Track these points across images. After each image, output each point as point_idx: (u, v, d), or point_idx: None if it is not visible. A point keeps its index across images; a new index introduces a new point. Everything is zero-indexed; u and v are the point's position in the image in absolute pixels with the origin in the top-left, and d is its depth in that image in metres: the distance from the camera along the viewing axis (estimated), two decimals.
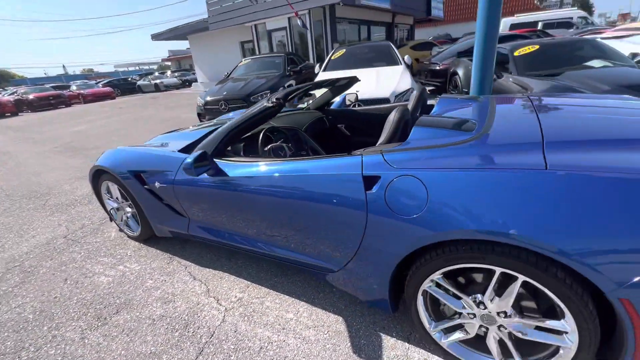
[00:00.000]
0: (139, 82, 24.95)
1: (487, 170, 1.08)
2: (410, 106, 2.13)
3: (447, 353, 1.36)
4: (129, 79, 27.15)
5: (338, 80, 2.57)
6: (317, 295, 1.83)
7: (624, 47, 5.20)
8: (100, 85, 22.70)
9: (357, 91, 3.88)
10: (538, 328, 1.13)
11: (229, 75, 7.59)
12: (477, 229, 1.04)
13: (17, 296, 2.09)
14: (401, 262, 1.29)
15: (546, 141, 1.15)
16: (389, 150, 1.32)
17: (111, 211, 2.68)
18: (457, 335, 1.31)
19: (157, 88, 22.84)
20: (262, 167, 1.64)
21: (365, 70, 5.23)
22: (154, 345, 1.60)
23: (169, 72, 29.69)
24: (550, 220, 0.95)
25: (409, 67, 5.49)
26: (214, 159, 1.80)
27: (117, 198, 2.53)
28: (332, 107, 3.15)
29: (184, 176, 1.93)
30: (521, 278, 1.05)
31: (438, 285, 1.27)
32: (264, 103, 1.84)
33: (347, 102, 3.32)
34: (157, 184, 2.08)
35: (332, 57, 6.10)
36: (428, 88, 8.39)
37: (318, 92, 3.57)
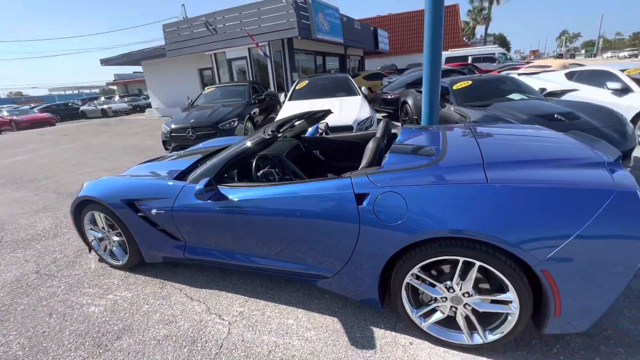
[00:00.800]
0: (82, 107, 23.38)
1: (447, 185, 1.48)
2: (378, 135, 2.56)
3: (427, 334, 1.68)
4: (70, 104, 25.29)
5: (316, 112, 2.94)
6: (312, 302, 2.06)
7: (535, 83, 6.40)
8: (37, 111, 20.84)
9: (327, 120, 4.29)
10: (492, 302, 1.51)
11: (193, 103, 7.67)
12: (444, 228, 1.40)
13: None
14: (386, 263, 1.61)
15: (485, 162, 1.58)
16: (372, 172, 1.67)
17: (93, 242, 2.66)
18: (434, 317, 1.64)
19: (104, 114, 21.59)
20: (262, 190, 1.89)
21: (329, 100, 5.74)
22: None
23: (117, 97, 28.23)
24: (493, 218, 1.35)
25: (366, 97, 6.13)
26: (217, 185, 2.01)
27: (102, 228, 2.55)
28: (306, 135, 3.49)
29: (183, 201, 2.09)
30: (477, 263, 1.43)
31: (417, 277, 1.60)
32: (261, 135, 2.11)
33: (319, 131, 3.69)
34: (153, 211, 2.19)
35: (297, 88, 6.56)
36: (381, 115, 9.24)
37: (281, 114, 3.93)
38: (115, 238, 2.53)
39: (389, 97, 8.38)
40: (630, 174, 1.43)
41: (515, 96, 4.93)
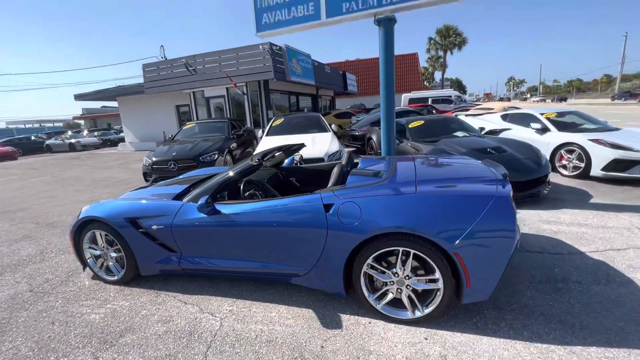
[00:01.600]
0: (48, 141, 22.67)
1: (389, 196, 2.06)
2: (343, 163, 3.17)
3: (382, 314, 2.15)
4: (34, 138, 24.41)
5: (293, 145, 3.52)
6: (291, 299, 2.48)
7: (477, 123, 7.55)
8: None
9: (301, 153, 4.90)
10: (426, 282, 2.04)
11: (173, 138, 8.06)
12: (387, 226, 1.96)
13: (1, 343, 2.21)
14: (348, 257, 2.12)
15: (418, 180, 2.20)
16: (336, 189, 2.23)
17: (89, 260, 2.93)
18: (386, 299, 2.14)
19: (72, 148, 21.05)
20: (249, 205, 2.37)
21: (303, 136, 6.41)
22: (167, 350, 2.02)
23: (86, 131, 27.66)
24: (420, 218, 1.93)
25: (335, 133, 6.89)
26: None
27: (102, 245, 2.85)
28: (284, 164, 4.04)
29: (181, 217, 2.51)
30: (412, 251, 1.97)
31: (372, 267, 2.12)
32: (248, 162, 2.63)
33: (295, 161, 4.27)
34: (154, 227, 2.58)
35: (273, 124, 7.22)
36: (350, 149, 10.10)
37: (259, 148, 4.54)
38: (113, 254, 2.83)
39: (357, 133, 9.29)
40: (509, 185, 2.10)
41: (459, 133, 5.88)
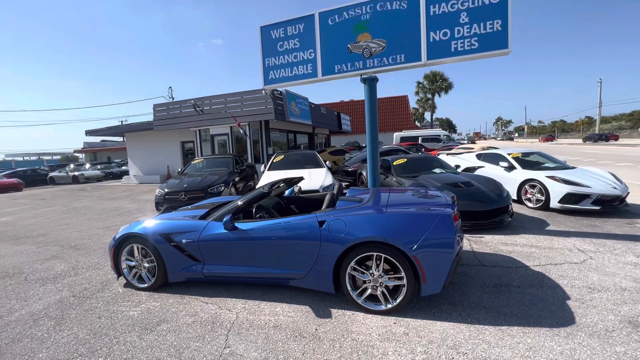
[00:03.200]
0: (51, 174, 23.34)
1: (366, 215, 2.81)
2: (334, 191, 3.95)
3: (362, 307, 2.79)
4: (38, 170, 25.11)
5: (293, 178, 4.31)
6: (291, 298, 3.11)
7: (455, 161, 8.51)
8: (2, 176, 20.57)
9: (300, 185, 5.69)
10: (394, 279, 2.72)
11: (183, 172, 8.86)
12: (364, 236, 2.68)
13: (62, 330, 2.79)
14: (336, 262, 2.81)
15: (388, 204, 2.97)
16: (328, 210, 2.98)
17: (124, 270, 3.55)
18: (365, 294, 2.79)
19: (75, 180, 21.71)
20: (260, 223, 3.10)
21: (300, 171, 7.25)
22: (196, 333, 2.62)
23: (88, 164, 28.48)
24: (389, 230, 2.67)
25: (330, 168, 7.76)
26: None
27: (137, 257, 3.49)
28: (285, 194, 4.80)
29: (207, 233, 3.21)
30: (383, 256, 2.68)
31: (355, 269, 2.80)
32: (261, 190, 3.39)
33: (294, 192, 5.03)
34: (184, 241, 3.26)
35: (274, 160, 8.10)
36: (344, 183, 10.92)
37: (261, 182, 5.41)
38: (146, 264, 3.46)
39: (349, 169, 10.20)
40: (454, 207, 2.86)
41: (437, 170, 6.76)
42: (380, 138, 30.44)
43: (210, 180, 7.56)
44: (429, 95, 41.10)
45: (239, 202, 3.37)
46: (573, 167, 6.94)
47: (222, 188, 7.41)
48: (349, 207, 2.97)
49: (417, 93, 42.56)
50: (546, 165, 7.15)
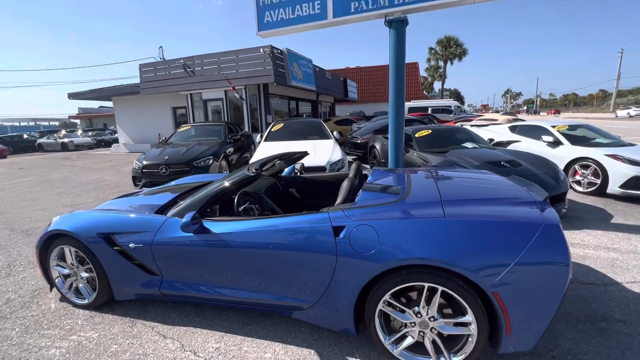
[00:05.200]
0: (40, 140, 22.14)
1: (412, 219, 1.71)
2: (351, 175, 2.83)
3: None
4: (26, 136, 23.87)
5: (295, 153, 3.17)
6: (289, 335, 2.11)
7: (484, 134, 7.27)
8: None
9: (302, 161, 4.57)
10: (454, 325, 1.68)
11: (167, 140, 7.69)
12: (411, 257, 1.61)
13: None
14: (361, 290, 1.76)
15: (443, 200, 1.86)
16: (347, 207, 1.88)
17: (57, 279, 2.54)
18: (405, 343, 1.78)
19: (64, 147, 20.55)
20: (245, 223, 2.02)
21: (303, 142, 6.08)
22: None
23: (80, 131, 27.15)
24: (451, 248, 1.58)
25: (337, 140, 6.57)
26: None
27: (71, 263, 2.46)
28: (283, 174, 3.69)
29: (164, 235, 2.14)
30: (440, 288, 1.62)
31: (389, 304, 1.76)
32: (245, 172, 2.28)
33: (295, 170, 3.92)
34: (131, 244, 2.20)
35: (272, 130, 6.89)
36: (352, 157, 9.78)
37: (257, 154, 4.17)
38: (84, 274, 2.44)
39: (358, 141, 8.99)
40: (554, 210, 1.76)
41: (468, 145, 5.58)
42: (385, 108, 28.74)
43: (196, 152, 6.42)
44: (441, 63, 38.53)
45: (211, 191, 2.27)
46: (632, 144, 5.74)
47: (211, 161, 6.29)
48: (380, 204, 1.88)
49: (428, 60, 39.87)
50: (597, 140, 5.94)
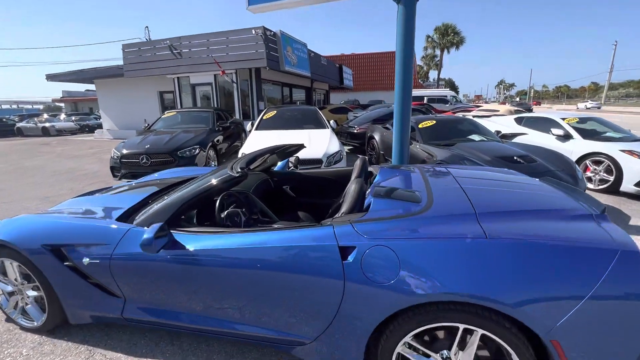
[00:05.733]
0: (19, 124, 21.05)
1: (443, 240, 1.32)
2: (354, 174, 2.41)
3: None
4: (5, 120, 22.68)
5: (289, 146, 2.74)
6: None
7: (489, 126, 6.90)
8: None
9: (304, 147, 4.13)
10: None
11: (150, 127, 7.13)
12: (443, 291, 1.22)
13: None
14: (375, 329, 1.38)
15: (478, 212, 1.46)
16: (357, 220, 1.47)
17: (0, 297, 2.10)
18: None
19: (45, 132, 19.55)
20: (228, 238, 1.60)
21: (297, 132, 5.62)
22: None
23: (63, 115, 25.95)
24: (496, 280, 1.20)
25: (334, 129, 6.12)
26: (170, 230, 1.67)
27: (15, 279, 2.01)
28: (276, 169, 3.26)
29: (126, 249, 1.71)
30: (480, 331, 1.25)
31: (410, 346, 1.38)
32: (228, 172, 1.84)
33: (290, 165, 3.49)
34: (85, 260, 1.77)
35: (264, 117, 6.39)
36: (348, 148, 9.35)
37: (247, 144, 3.70)
38: (32, 293, 2.00)
39: (355, 131, 8.54)
40: (619, 228, 1.39)
41: (475, 137, 5.20)
42: (381, 96, 28.12)
43: (181, 140, 5.90)
44: (437, 52, 37.86)
45: (185, 194, 1.83)
46: None
47: (197, 151, 5.79)
48: (398, 216, 1.47)
49: (425, 48, 39.11)
50: (608, 134, 5.63)
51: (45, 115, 25.13)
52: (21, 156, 10.17)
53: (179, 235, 1.66)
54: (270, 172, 3.13)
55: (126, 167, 5.53)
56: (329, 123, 6.24)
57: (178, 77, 12.10)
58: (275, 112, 6.55)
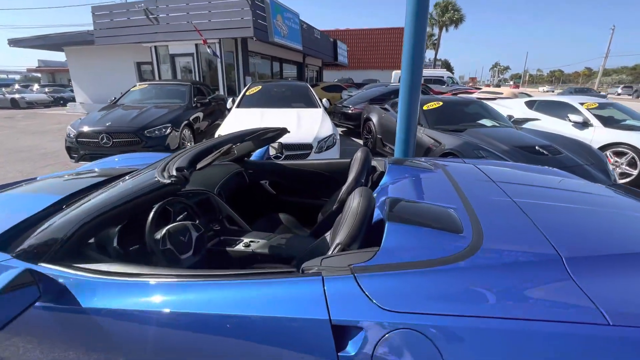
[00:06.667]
0: None
1: (526, 322, 0.71)
2: (354, 172, 1.78)
3: None
4: None
5: (265, 132, 2.06)
6: None
7: (499, 109, 6.29)
8: None
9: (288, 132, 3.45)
10: None
11: (116, 101, 6.26)
12: None
13: None
14: None
15: (565, 257, 0.85)
16: (363, 268, 0.86)
17: None
18: None
19: (15, 104, 18.06)
20: (140, 290, 0.95)
21: (285, 111, 4.90)
22: None
23: (35, 86, 24.13)
24: None
25: (326, 109, 5.42)
26: (62, 267, 1.02)
27: None
28: (252, 158, 2.59)
29: None
30: None
31: None
32: (155, 177, 1.17)
33: (271, 152, 2.83)
34: None
35: (247, 93, 5.60)
36: (341, 129, 8.65)
37: (226, 123, 2.95)
38: None
39: (350, 111, 7.82)
40: None
41: (486, 122, 4.59)
42: (375, 76, 26.96)
43: (149, 117, 5.10)
44: (436, 30, 36.46)
45: (87, 212, 1.16)
46: None
47: (168, 130, 5.02)
48: (433, 263, 0.85)
49: None
50: (629, 123, 5.10)
51: (17, 86, 23.37)
52: None
53: (72, 280, 1.01)
54: (245, 162, 2.46)
55: (84, 148, 4.74)
56: (322, 102, 5.52)
57: (155, 46, 10.98)
58: (260, 87, 5.76)
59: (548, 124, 5.40)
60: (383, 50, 30.06)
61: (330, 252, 1.01)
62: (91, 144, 4.70)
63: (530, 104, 6.05)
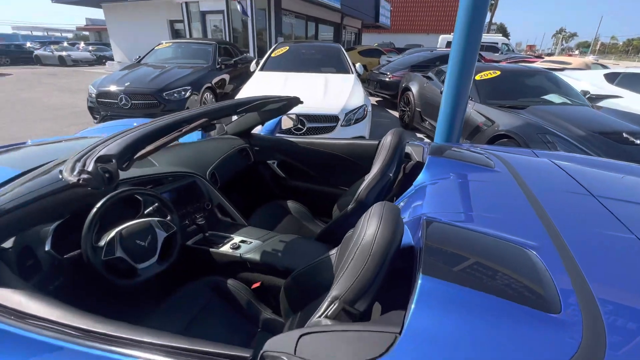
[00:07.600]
0: (37, 52, 20.37)
1: None
2: (381, 159, 1.32)
3: None
4: (26, 46, 22.11)
5: (278, 100, 1.61)
6: None
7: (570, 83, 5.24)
8: None
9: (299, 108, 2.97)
10: None
11: (140, 60, 6.02)
12: None
13: None
14: None
15: None
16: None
17: None
18: None
19: (62, 61, 18.86)
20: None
21: (311, 76, 4.36)
22: None
23: (82, 44, 24.97)
24: None
25: (360, 75, 4.78)
26: None
27: None
28: (261, 132, 2.18)
29: None
30: None
31: None
32: (57, 177, 0.79)
33: (284, 125, 2.39)
34: None
35: (272, 54, 5.07)
36: (376, 99, 7.91)
37: (247, 87, 2.42)
38: None
39: (387, 79, 7.02)
40: None
41: (554, 98, 3.76)
42: (420, 40, 24.57)
43: (170, 78, 4.80)
44: None
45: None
46: None
47: (188, 93, 4.72)
48: None
49: None
50: None
51: (65, 44, 24.31)
52: (20, 86, 9.50)
53: None
54: (251, 135, 2.06)
55: (104, 109, 4.59)
56: (354, 67, 4.87)
57: (186, 3, 10.51)
58: (287, 48, 5.19)
59: (633, 103, 4.38)
60: (432, 10, 27.13)
61: (321, 312, 0.61)
62: (111, 104, 4.53)
63: (612, 77, 4.95)
